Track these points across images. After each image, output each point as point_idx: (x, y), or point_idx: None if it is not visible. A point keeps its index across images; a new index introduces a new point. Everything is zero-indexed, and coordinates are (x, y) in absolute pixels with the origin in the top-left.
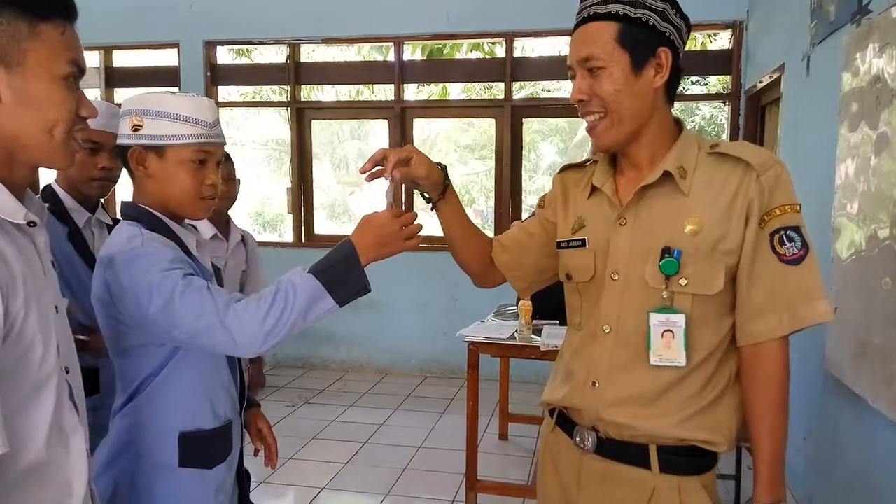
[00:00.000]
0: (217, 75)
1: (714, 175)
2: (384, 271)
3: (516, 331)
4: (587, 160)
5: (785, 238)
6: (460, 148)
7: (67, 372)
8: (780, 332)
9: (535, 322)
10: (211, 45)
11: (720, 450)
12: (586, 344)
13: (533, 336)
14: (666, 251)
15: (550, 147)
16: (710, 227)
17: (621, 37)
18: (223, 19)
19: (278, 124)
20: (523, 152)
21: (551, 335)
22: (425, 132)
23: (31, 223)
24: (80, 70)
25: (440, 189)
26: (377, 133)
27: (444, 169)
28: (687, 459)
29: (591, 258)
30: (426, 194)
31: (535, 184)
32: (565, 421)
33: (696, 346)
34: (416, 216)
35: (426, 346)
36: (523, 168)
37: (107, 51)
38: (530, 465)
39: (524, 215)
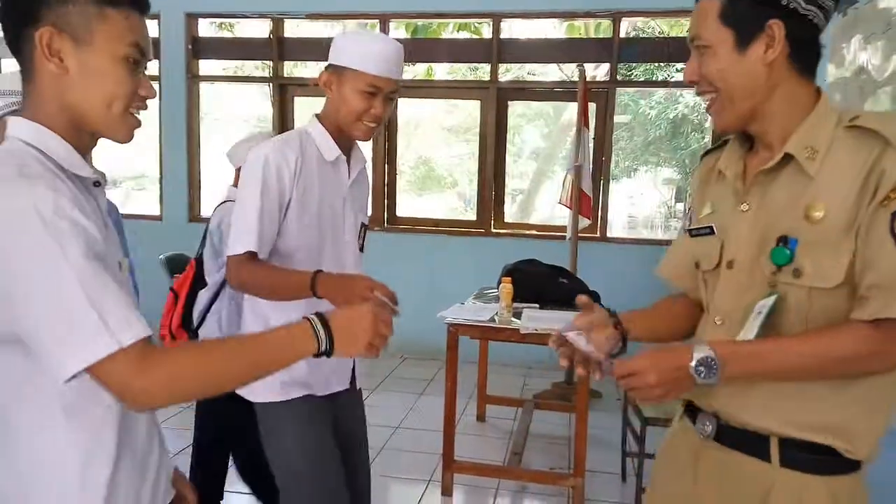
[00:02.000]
0: (198, 48)
1: (849, 153)
2: (367, 252)
3: (496, 313)
4: (724, 141)
5: None
6: (445, 130)
7: None
8: (866, 316)
9: (515, 305)
10: (192, 18)
11: (854, 456)
12: (704, 333)
13: (513, 319)
14: (782, 240)
15: (534, 131)
16: (838, 214)
17: (724, 14)
18: None
19: (261, 101)
20: (508, 136)
21: (531, 318)
22: (409, 114)
23: (95, 183)
24: (141, 53)
25: (621, 336)
26: None
27: (612, 314)
28: (811, 457)
29: (718, 246)
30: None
31: (519, 168)
32: (691, 408)
33: None
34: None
35: (406, 327)
36: (507, 152)
37: None
38: (507, 446)
39: (507, 199)
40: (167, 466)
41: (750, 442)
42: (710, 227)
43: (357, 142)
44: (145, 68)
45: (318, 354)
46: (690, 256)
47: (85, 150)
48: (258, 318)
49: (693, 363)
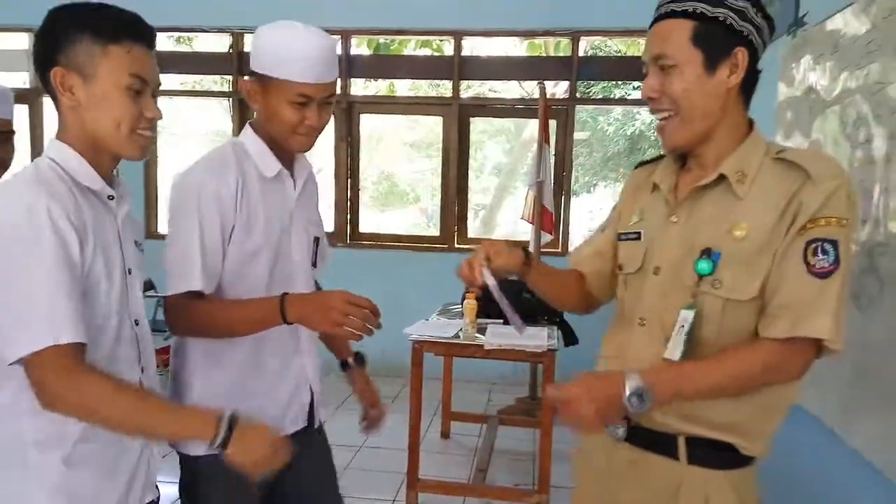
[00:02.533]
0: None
1: (774, 182)
2: (329, 269)
3: (461, 329)
4: (659, 156)
5: (820, 250)
6: (407, 145)
7: (137, 323)
8: (776, 334)
9: (479, 321)
10: None
11: (751, 453)
12: (621, 333)
13: (477, 335)
14: (705, 252)
15: (496, 147)
16: (758, 234)
17: (696, 36)
18: (163, 4)
19: (221, 116)
20: (470, 151)
21: (496, 334)
22: (371, 128)
23: (110, 197)
24: (143, 81)
25: (523, 268)
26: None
27: (523, 248)
28: (715, 454)
29: (642, 251)
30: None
31: (481, 183)
32: None
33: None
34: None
35: (369, 344)
36: (469, 168)
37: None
38: (472, 463)
39: (470, 215)
40: (147, 471)
41: (659, 442)
42: (638, 233)
43: None
44: (155, 92)
45: (213, 444)
46: (606, 255)
47: (106, 169)
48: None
49: (626, 393)
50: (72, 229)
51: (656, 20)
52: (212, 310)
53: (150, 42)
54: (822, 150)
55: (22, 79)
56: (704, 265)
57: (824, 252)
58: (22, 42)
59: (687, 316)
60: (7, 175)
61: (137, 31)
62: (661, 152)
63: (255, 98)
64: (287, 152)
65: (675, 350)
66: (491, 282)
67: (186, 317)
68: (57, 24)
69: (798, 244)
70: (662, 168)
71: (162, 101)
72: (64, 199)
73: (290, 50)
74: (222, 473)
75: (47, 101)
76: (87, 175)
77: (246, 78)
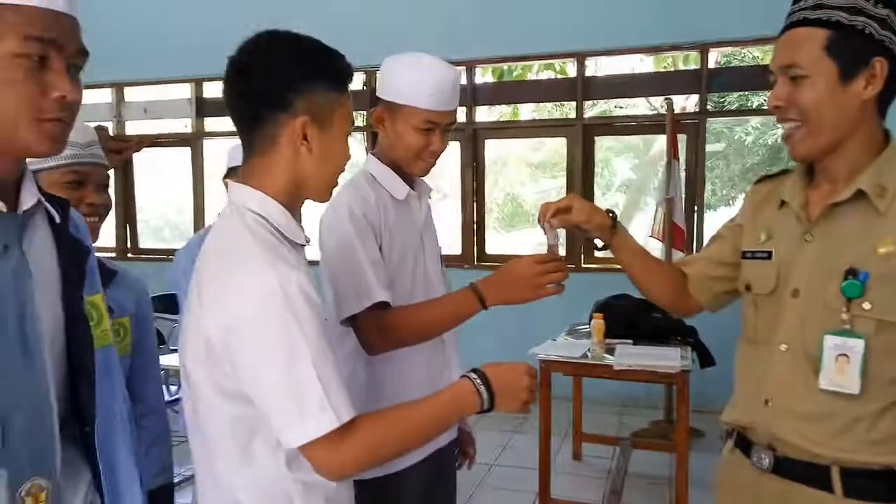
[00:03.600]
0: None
1: None
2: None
3: (588, 349)
4: (783, 171)
5: None
6: (531, 166)
7: None
8: None
9: (607, 341)
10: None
11: None
12: (760, 360)
13: (605, 355)
14: (850, 272)
15: (624, 163)
16: None
17: (831, 46)
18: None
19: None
20: (595, 170)
21: (625, 354)
22: (496, 152)
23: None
24: (353, 126)
25: (607, 232)
26: (450, 154)
27: (611, 213)
28: (875, 482)
29: (774, 271)
30: (597, 240)
31: (608, 200)
32: (743, 441)
33: (882, 375)
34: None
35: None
36: (595, 185)
37: (197, 83)
38: (604, 485)
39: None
40: None
41: (810, 473)
42: (768, 253)
43: None
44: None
45: (479, 412)
46: (719, 262)
47: (297, 219)
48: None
49: None
50: (319, 295)
51: (787, 27)
52: (404, 315)
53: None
54: None
55: (184, 123)
56: (853, 287)
57: None
58: (185, 92)
59: (851, 344)
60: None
61: (346, 80)
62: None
63: (383, 124)
64: (409, 176)
65: (852, 383)
66: (552, 237)
67: (381, 330)
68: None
69: None
70: (791, 184)
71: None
72: (299, 266)
73: (419, 79)
74: (389, 495)
75: (208, 144)
76: (291, 228)
77: (376, 105)
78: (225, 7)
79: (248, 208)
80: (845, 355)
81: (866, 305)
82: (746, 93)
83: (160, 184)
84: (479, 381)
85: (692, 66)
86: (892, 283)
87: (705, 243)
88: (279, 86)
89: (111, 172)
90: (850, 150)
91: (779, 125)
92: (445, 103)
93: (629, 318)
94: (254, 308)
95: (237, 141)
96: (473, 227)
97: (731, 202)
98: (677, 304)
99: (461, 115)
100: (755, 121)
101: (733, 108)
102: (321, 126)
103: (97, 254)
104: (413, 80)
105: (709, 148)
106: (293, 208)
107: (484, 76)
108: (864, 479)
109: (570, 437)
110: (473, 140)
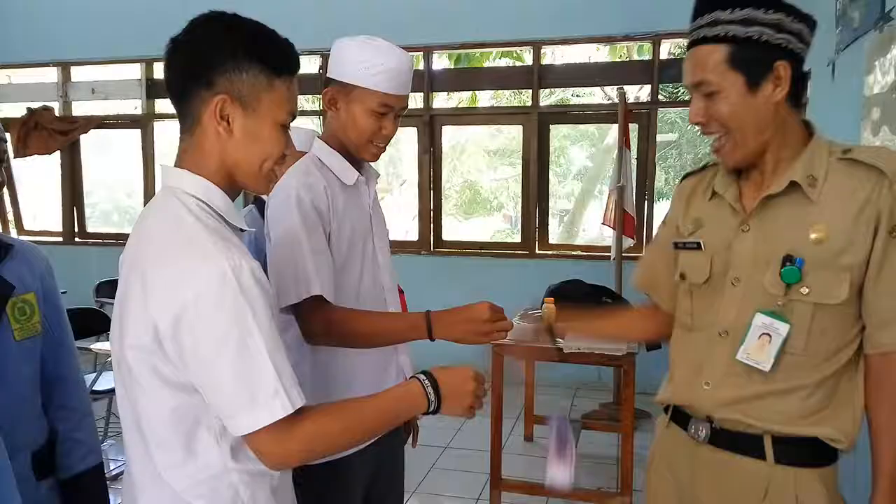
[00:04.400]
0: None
1: (845, 182)
2: (411, 276)
3: None
4: (705, 165)
5: None
6: (489, 154)
7: None
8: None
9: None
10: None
11: (839, 446)
12: (698, 345)
13: (557, 339)
14: (787, 259)
15: (580, 151)
16: (836, 236)
17: (732, 59)
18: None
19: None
20: (551, 157)
21: (573, 338)
22: (454, 139)
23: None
24: (293, 117)
25: (552, 332)
26: (407, 141)
27: (547, 325)
28: (803, 450)
29: (707, 261)
30: (557, 338)
31: (565, 188)
32: (679, 414)
33: (816, 353)
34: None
35: (453, 349)
36: (552, 173)
37: (147, 63)
38: None
39: (552, 220)
40: None
41: (745, 442)
42: (697, 243)
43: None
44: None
45: (426, 413)
46: (670, 268)
47: (233, 197)
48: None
49: None
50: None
51: (690, 45)
52: (354, 317)
53: (297, 71)
54: (888, 148)
55: (134, 105)
56: (792, 273)
57: None
58: (135, 72)
59: (777, 326)
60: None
61: (293, 62)
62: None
63: (336, 106)
64: (357, 161)
65: (766, 361)
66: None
67: (327, 323)
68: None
69: (892, 247)
70: (720, 177)
71: (163, 125)
72: (247, 251)
73: (377, 62)
74: (334, 482)
75: (159, 126)
76: (232, 213)
77: (327, 85)
78: None
79: (187, 192)
80: (768, 335)
81: (804, 290)
82: None
83: (109, 167)
84: (427, 383)
85: (646, 57)
86: (825, 267)
87: (648, 246)
88: (202, 61)
89: (57, 154)
90: (776, 146)
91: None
92: (402, 87)
93: (580, 303)
94: (207, 294)
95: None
96: (430, 214)
97: None
98: (662, 332)
99: (418, 102)
100: None
101: (687, 98)
102: (244, 107)
103: (41, 238)
104: (370, 62)
105: (662, 137)
106: (231, 194)
107: (440, 60)
108: (793, 446)
109: (522, 419)
110: (430, 126)
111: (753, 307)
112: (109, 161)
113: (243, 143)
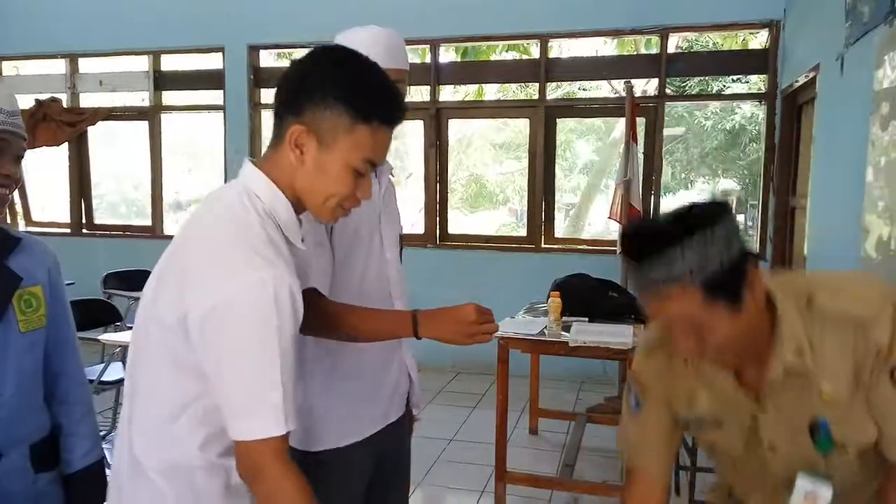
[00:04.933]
0: (260, 78)
1: (829, 340)
2: (417, 269)
3: (546, 327)
4: (661, 340)
5: None
6: (495, 147)
7: None
8: None
9: (564, 319)
10: (254, 49)
11: None
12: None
13: (562, 332)
14: (813, 427)
15: (586, 146)
16: (844, 387)
17: (708, 295)
18: (266, 24)
19: None
20: (557, 151)
21: (580, 331)
22: (461, 132)
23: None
24: (372, 165)
25: None
26: (414, 134)
27: None
28: None
29: (736, 434)
30: None
31: (571, 182)
32: None
33: (864, 488)
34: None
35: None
36: (558, 167)
37: (155, 55)
38: (559, 458)
39: (559, 215)
40: None
41: None
42: (718, 422)
43: None
44: (373, 170)
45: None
46: (673, 444)
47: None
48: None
49: None
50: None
51: (650, 291)
52: (343, 311)
53: (396, 123)
54: (843, 273)
55: (141, 97)
56: (824, 443)
57: None
58: (142, 64)
59: (820, 491)
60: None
61: (392, 115)
62: (760, 148)
63: None
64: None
65: None
66: None
67: (316, 316)
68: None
69: (883, 376)
70: (706, 367)
71: (267, 115)
72: (292, 268)
73: (372, 41)
74: (336, 471)
75: (166, 118)
76: (293, 230)
77: None
78: None
79: (257, 195)
80: (813, 495)
81: (841, 452)
82: (707, 78)
83: (116, 159)
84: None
85: (653, 51)
86: (846, 419)
87: (627, 426)
88: (298, 88)
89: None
90: (758, 332)
91: (754, 109)
92: (392, 60)
93: (586, 297)
94: (243, 297)
95: None
96: (436, 207)
97: (689, 185)
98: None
99: (425, 95)
100: (714, 105)
101: (693, 92)
102: (320, 142)
103: (49, 229)
104: (365, 41)
105: (669, 132)
106: (298, 208)
107: (447, 52)
108: None
109: (527, 412)
110: (437, 120)
111: (797, 466)
112: (117, 153)
113: (312, 174)
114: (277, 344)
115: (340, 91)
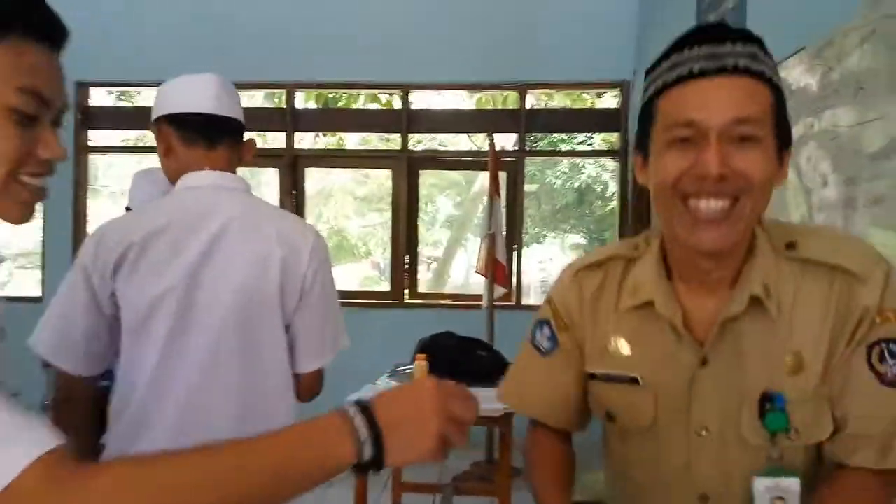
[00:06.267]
0: (89, 118)
1: (801, 288)
2: None
3: None
4: (606, 258)
5: (887, 353)
6: (357, 199)
7: None
8: (861, 463)
9: None
10: (84, 87)
11: None
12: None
13: None
14: (765, 398)
15: (447, 200)
16: (814, 360)
17: (778, 111)
18: (99, 60)
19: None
20: (420, 204)
21: None
22: (321, 184)
23: None
24: (41, 101)
25: None
26: (268, 183)
27: None
28: None
29: (650, 400)
30: None
31: (433, 236)
32: None
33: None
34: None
35: (314, 411)
36: (420, 220)
37: None
38: None
39: (420, 268)
40: None
41: None
42: (634, 378)
43: None
44: (57, 120)
45: (358, 467)
46: (575, 397)
47: None
48: None
49: None
50: None
51: (717, 72)
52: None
53: (55, 37)
54: (835, 230)
55: None
56: (777, 419)
57: (893, 355)
58: None
59: (786, 485)
60: None
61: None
62: (607, 204)
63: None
64: None
65: None
66: None
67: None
68: None
69: (859, 351)
70: (651, 278)
71: (97, 158)
72: None
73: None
74: None
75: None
76: None
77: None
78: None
79: None
80: (781, 498)
81: (791, 436)
82: (556, 138)
83: None
84: (354, 410)
85: (511, 107)
86: (807, 402)
87: (539, 284)
88: None
89: None
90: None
91: (598, 168)
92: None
93: (452, 358)
94: None
95: None
96: None
97: (541, 240)
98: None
99: (280, 141)
100: (563, 165)
101: (548, 149)
102: None
103: None
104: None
105: (525, 188)
106: None
107: (307, 102)
108: None
109: (389, 488)
110: (293, 167)
111: (736, 463)
112: None
113: None
114: None
115: None
